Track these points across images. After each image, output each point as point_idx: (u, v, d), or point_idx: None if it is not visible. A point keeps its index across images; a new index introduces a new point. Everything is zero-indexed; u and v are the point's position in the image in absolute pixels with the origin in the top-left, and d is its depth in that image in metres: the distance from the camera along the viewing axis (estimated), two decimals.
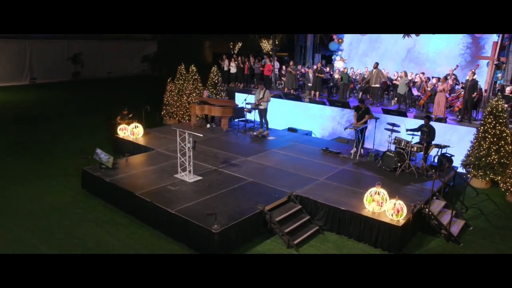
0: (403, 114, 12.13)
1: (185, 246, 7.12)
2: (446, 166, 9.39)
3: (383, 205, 7.40)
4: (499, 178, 9.82)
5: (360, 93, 16.02)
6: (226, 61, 18.83)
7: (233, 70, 18.54)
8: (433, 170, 9.36)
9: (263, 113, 12.40)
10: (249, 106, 13.15)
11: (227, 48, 42.79)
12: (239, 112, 12.69)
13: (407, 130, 9.94)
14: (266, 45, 35.85)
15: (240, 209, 7.42)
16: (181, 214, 7.13)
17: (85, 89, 24.03)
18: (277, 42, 37.13)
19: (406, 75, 13.50)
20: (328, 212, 7.76)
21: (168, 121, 15.92)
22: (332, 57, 19.71)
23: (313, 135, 14.10)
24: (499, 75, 14.85)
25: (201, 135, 9.08)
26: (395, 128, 10.05)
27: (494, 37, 15.07)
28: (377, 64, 14.50)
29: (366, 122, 10.86)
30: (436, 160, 10.14)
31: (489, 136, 9.87)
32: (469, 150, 10.39)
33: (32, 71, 24.98)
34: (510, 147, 9.83)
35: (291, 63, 16.70)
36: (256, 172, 9.36)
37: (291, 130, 13.89)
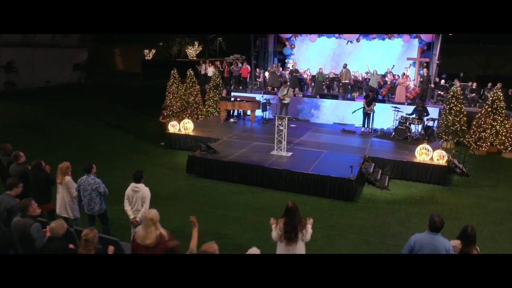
0: (384, 101, 16.33)
1: (321, 197, 9.75)
2: (430, 133, 13.93)
3: (429, 155, 11.17)
4: (462, 139, 14.59)
5: (326, 89, 19.96)
6: (203, 65, 20.85)
7: (210, 73, 20.64)
8: (428, 137, 13.71)
9: (286, 107, 15.24)
10: (265, 101, 15.87)
11: (141, 55, 43.20)
12: (264, 106, 15.28)
13: (407, 114, 14.07)
14: (191, 51, 37.79)
15: (345, 167, 10.32)
16: (319, 173, 9.76)
17: (40, 98, 23.08)
18: (200, 49, 39.11)
19: (377, 73, 17.76)
20: (394, 164, 11.22)
21: (172, 121, 17.42)
22: (286, 61, 23.27)
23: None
24: (422, 71, 20.26)
25: (294, 119, 11.58)
26: (397, 109, 14.12)
27: (416, 43, 20.54)
28: (346, 64, 18.54)
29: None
30: (422, 131, 14.48)
31: (453, 112, 14.57)
32: (439, 122, 15.00)
33: None
34: (466, 119, 14.67)
35: (274, 65, 19.72)
36: (321, 147, 12.29)
37: (291, 119, 16.95)
